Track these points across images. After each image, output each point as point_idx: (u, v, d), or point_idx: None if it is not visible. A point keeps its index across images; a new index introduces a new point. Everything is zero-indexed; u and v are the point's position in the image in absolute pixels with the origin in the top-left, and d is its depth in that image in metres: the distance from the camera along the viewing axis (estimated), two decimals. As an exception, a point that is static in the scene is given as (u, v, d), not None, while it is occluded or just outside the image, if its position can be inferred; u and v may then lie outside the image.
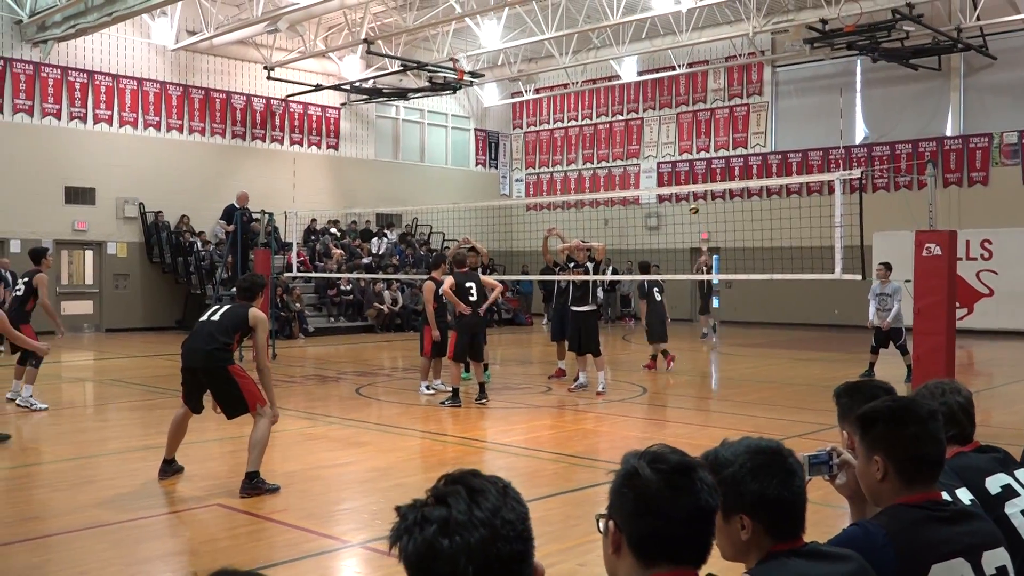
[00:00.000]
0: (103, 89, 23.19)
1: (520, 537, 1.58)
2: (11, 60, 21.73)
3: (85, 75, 22.88)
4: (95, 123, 23.08)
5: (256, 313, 7.03)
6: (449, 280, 11.17)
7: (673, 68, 28.09)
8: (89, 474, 7.57)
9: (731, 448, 2.23)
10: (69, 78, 22.62)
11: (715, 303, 26.09)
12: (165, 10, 22.61)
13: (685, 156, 28.88)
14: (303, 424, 10.06)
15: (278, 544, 5.78)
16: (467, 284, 11.12)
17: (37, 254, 11.57)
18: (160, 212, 23.76)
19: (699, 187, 26.67)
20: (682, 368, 15.21)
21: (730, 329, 24.47)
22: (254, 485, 6.70)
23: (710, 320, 21.79)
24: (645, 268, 15.40)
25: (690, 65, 28.00)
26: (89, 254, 23.54)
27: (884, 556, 2.29)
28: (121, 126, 23.54)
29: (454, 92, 27.51)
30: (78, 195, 22.72)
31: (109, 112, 23.30)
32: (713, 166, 28.15)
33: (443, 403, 10.90)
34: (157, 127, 24.23)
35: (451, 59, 24.76)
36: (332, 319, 23.85)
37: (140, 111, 23.88)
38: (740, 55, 27.01)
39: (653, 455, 1.93)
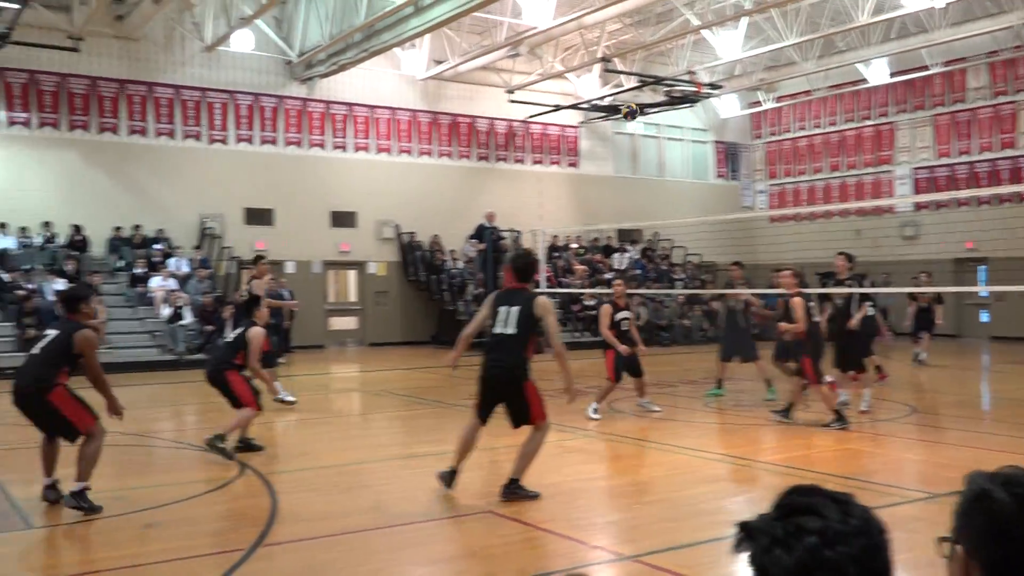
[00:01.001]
0: (360, 120, 24.92)
1: (889, 548, 1.54)
2: (283, 98, 23.82)
3: (346, 107, 24.68)
4: (355, 151, 24.83)
5: (543, 301, 7.09)
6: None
7: (926, 68, 26.35)
8: (363, 479, 8.09)
9: None
10: (331, 111, 24.49)
11: (983, 317, 24.13)
12: (415, 43, 23.95)
13: (944, 160, 26.96)
14: (560, 436, 10.25)
15: (551, 553, 5.93)
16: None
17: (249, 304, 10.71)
18: (414, 233, 25.13)
19: (963, 193, 24.79)
20: (945, 387, 14.16)
21: (1002, 346, 22.51)
22: (513, 490, 6.92)
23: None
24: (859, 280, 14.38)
25: (946, 64, 26.16)
26: (352, 273, 25.29)
27: None
28: (378, 153, 25.17)
29: (692, 105, 27.22)
30: (342, 219, 24.51)
31: (367, 141, 24.99)
32: (976, 169, 26.09)
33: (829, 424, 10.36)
34: (409, 152, 25.70)
35: (689, 72, 24.54)
36: (577, 334, 24.19)
37: (394, 139, 25.42)
38: (1003, 49, 24.93)
39: (1006, 476, 1.81)
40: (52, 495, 6.97)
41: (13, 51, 19.76)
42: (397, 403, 13.63)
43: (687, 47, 25.31)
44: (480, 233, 19.91)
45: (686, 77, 24.48)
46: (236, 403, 8.98)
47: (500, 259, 19.12)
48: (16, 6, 16.80)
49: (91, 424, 6.82)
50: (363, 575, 5.36)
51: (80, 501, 6.70)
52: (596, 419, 11.25)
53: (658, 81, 24.83)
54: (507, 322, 6.98)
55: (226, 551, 5.67)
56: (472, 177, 26.58)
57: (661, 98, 26.24)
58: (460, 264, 24.37)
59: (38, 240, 20.35)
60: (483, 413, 7.15)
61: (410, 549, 5.95)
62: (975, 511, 1.79)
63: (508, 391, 6.98)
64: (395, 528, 6.37)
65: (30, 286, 18.38)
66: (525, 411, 6.98)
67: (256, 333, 9.19)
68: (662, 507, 6.99)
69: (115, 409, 6.96)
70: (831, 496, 1.60)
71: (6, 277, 18.64)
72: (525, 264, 7.30)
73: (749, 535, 1.55)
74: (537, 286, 15.73)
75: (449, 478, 7.13)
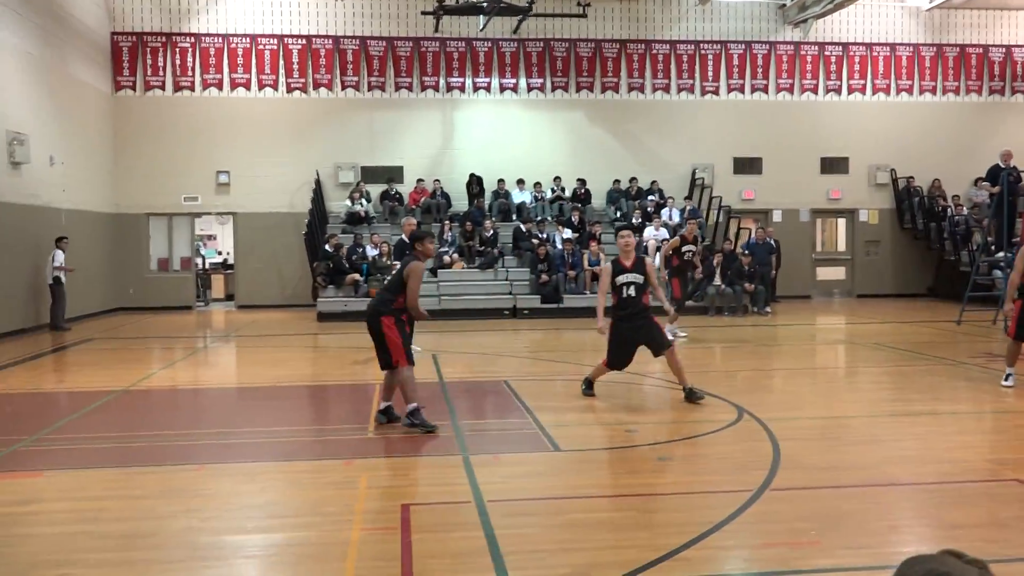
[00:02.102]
0: (856, 60, 23.73)
1: None
2: (775, 43, 23.49)
3: (840, 48, 23.65)
4: (849, 94, 23.73)
5: None
6: None
7: None
8: (860, 434, 7.87)
9: None
10: (825, 52, 23.62)
11: None
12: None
13: None
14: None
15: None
16: None
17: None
18: (912, 177, 23.46)
19: None
20: None
21: None
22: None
23: None
24: None
25: None
26: (841, 222, 24.38)
27: None
28: (874, 94, 23.80)
29: None
30: (832, 165, 23.69)
31: (862, 82, 23.76)
32: None
33: None
34: (909, 91, 23.93)
35: None
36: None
37: (892, 77, 23.83)
38: None
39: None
40: (382, 418, 8.14)
41: (531, 23, 21.99)
42: (891, 357, 12.98)
43: None
44: (995, 175, 17.92)
45: None
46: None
47: (1017, 204, 17.07)
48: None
49: (402, 362, 7.83)
50: (881, 530, 5.28)
51: (414, 419, 7.83)
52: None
53: None
54: None
55: (735, 491, 5.94)
56: (982, 114, 23.99)
57: None
58: (964, 210, 22.24)
59: (549, 195, 22.56)
60: None
61: (927, 510, 5.73)
62: None
63: None
64: (905, 487, 6.16)
65: (542, 235, 20.49)
66: None
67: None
68: None
69: (419, 316, 7.98)
70: None
71: (523, 228, 20.99)
72: None
73: None
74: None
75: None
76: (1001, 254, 16.76)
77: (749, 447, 7.28)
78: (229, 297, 23.66)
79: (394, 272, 8.40)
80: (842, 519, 5.43)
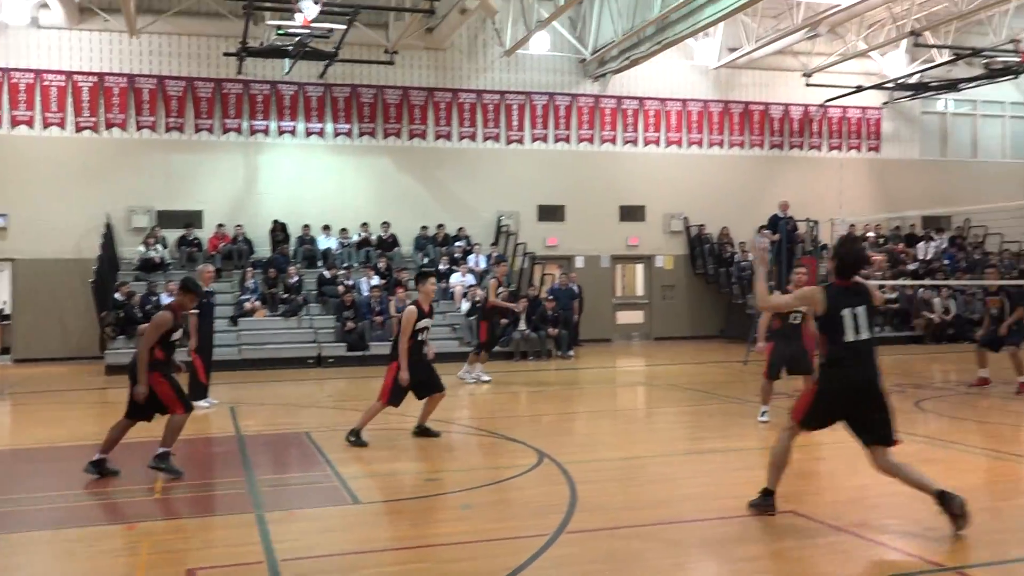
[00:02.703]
0: (651, 113, 24.98)
1: None
2: (576, 95, 24.43)
3: (636, 102, 24.86)
4: (645, 145, 24.95)
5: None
6: None
7: None
8: (655, 473, 8.14)
9: None
10: (622, 106, 24.76)
11: None
12: (708, 31, 23.62)
13: None
14: (864, 438, 9.77)
15: (857, 559, 5.67)
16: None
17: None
18: (703, 225, 24.85)
19: None
20: None
21: None
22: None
23: None
24: None
25: None
26: (640, 267, 25.46)
27: None
28: (668, 146, 25.13)
29: (1016, 77, 24.64)
30: (631, 213, 24.75)
31: (657, 134, 25.02)
32: None
33: None
34: (699, 144, 25.42)
35: (1012, 40, 22.27)
36: (877, 328, 22.75)
37: (684, 130, 25.26)
38: None
39: None
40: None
41: (338, 68, 21.83)
42: (686, 397, 13.58)
43: (1009, 13, 22.98)
44: (774, 223, 19.31)
45: (1009, 47, 22.24)
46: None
47: (795, 251, 18.43)
48: (343, 27, 18.52)
49: (178, 409, 7.95)
50: (667, 568, 5.43)
51: (161, 463, 7.86)
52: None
53: (975, 53, 22.75)
54: (859, 327, 6.17)
55: (532, 536, 5.96)
56: (765, 166, 25.82)
57: (978, 71, 24.01)
58: (750, 256, 23.75)
59: (356, 240, 22.30)
60: (823, 425, 6.38)
61: (712, 546, 5.94)
62: None
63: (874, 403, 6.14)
64: (693, 523, 6.38)
65: (348, 282, 20.20)
66: (886, 424, 6.13)
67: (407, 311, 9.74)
68: (987, 516, 6.42)
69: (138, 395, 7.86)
70: None
71: (327, 274, 20.63)
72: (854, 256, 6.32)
73: None
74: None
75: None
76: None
77: (548, 491, 7.35)
78: (4, 350, 21.81)
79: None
80: (631, 559, 5.55)
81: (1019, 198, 23.36)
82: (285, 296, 20.06)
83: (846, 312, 6.14)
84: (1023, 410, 10.96)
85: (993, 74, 23.52)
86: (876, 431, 6.10)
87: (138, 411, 7.96)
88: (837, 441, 7.04)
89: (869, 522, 6.34)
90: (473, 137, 23.68)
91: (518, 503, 7.13)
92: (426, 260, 22.21)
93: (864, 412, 6.11)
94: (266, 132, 22.25)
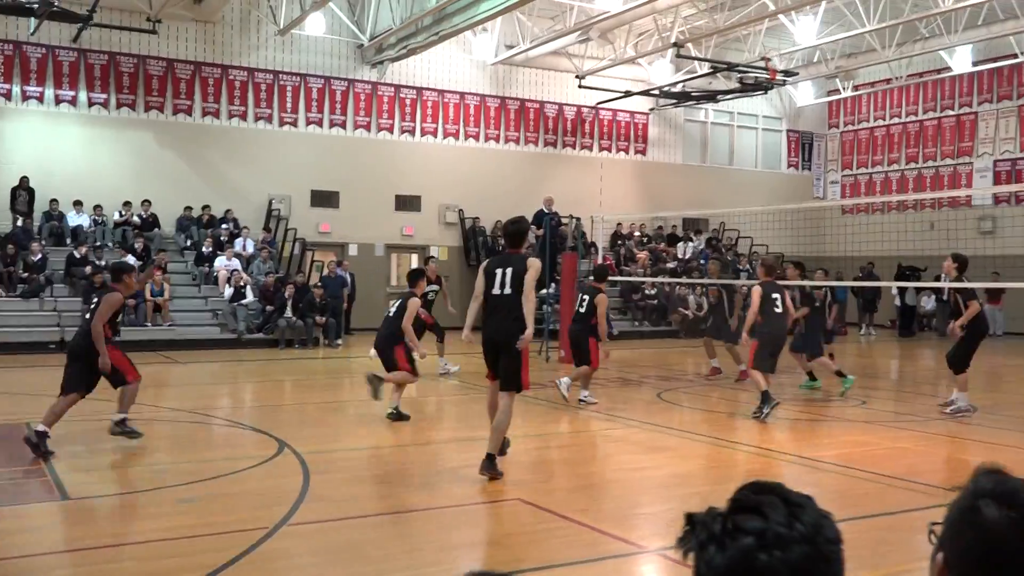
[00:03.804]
0: (429, 104, 24.98)
1: (839, 559, 1.41)
2: (353, 81, 24.01)
3: (414, 92, 24.77)
4: (422, 136, 24.92)
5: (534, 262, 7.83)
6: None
7: (1015, 56, 25.26)
8: (386, 464, 8.09)
9: None
10: (400, 95, 24.60)
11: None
12: (486, 26, 23.87)
13: (1029, 152, 25.92)
14: (604, 426, 10.17)
15: (575, 543, 5.83)
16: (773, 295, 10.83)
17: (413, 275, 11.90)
18: (477, 218, 25.14)
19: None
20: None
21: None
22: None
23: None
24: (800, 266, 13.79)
25: (1037, 51, 25.08)
26: (414, 257, 25.37)
27: None
28: (445, 138, 25.22)
29: (766, 92, 26.63)
30: (406, 203, 24.65)
31: (434, 125, 25.05)
32: (1065, 163, 25.00)
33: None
34: (476, 138, 25.69)
35: (763, 58, 23.99)
36: (636, 323, 23.96)
37: (462, 123, 25.44)
38: (1100, 37, 23.77)
39: (1006, 492, 1.54)
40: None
41: (94, 33, 20.32)
42: (453, 387, 13.65)
43: (763, 33, 24.75)
44: (539, 219, 19.82)
45: (760, 64, 23.95)
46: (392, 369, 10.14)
47: (559, 246, 18.99)
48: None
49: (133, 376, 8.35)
50: (380, 558, 5.35)
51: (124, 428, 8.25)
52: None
53: (731, 68, 24.33)
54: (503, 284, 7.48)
55: (249, 529, 5.72)
56: (538, 163, 26.46)
57: (734, 85, 25.73)
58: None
59: (114, 218, 20.87)
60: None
61: (432, 534, 5.93)
62: (964, 524, 1.60)
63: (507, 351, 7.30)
64: (417, 512, 6.36)
65: (100, 262, 18.87)
66: (515, 373, 7.30)
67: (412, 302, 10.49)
68: (696, 500, 6.79)
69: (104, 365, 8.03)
70: (785, 497, 1.45)
71: (77, 254, 19.19)
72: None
73: (691, 528, 1.45)
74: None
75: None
76: (544, 291, 18.46)
77: (279, 483, 7.11)
78: None
79: None
80: (351, 549, 5.45)
81: (769, 204, 25.21)
82: (25, 276, 18.46)
83: (497, 272, 7.61)
84: (746, 400, 11.77)
85: (746, 88, 25.29)
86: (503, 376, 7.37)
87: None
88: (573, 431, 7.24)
89: (592, 509, 6.54)
90: (244, 116, 22.76)
91: (246, 495, 6.84)
92: (189, 242, 21.13)
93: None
94: (8, 96, 20.37)
